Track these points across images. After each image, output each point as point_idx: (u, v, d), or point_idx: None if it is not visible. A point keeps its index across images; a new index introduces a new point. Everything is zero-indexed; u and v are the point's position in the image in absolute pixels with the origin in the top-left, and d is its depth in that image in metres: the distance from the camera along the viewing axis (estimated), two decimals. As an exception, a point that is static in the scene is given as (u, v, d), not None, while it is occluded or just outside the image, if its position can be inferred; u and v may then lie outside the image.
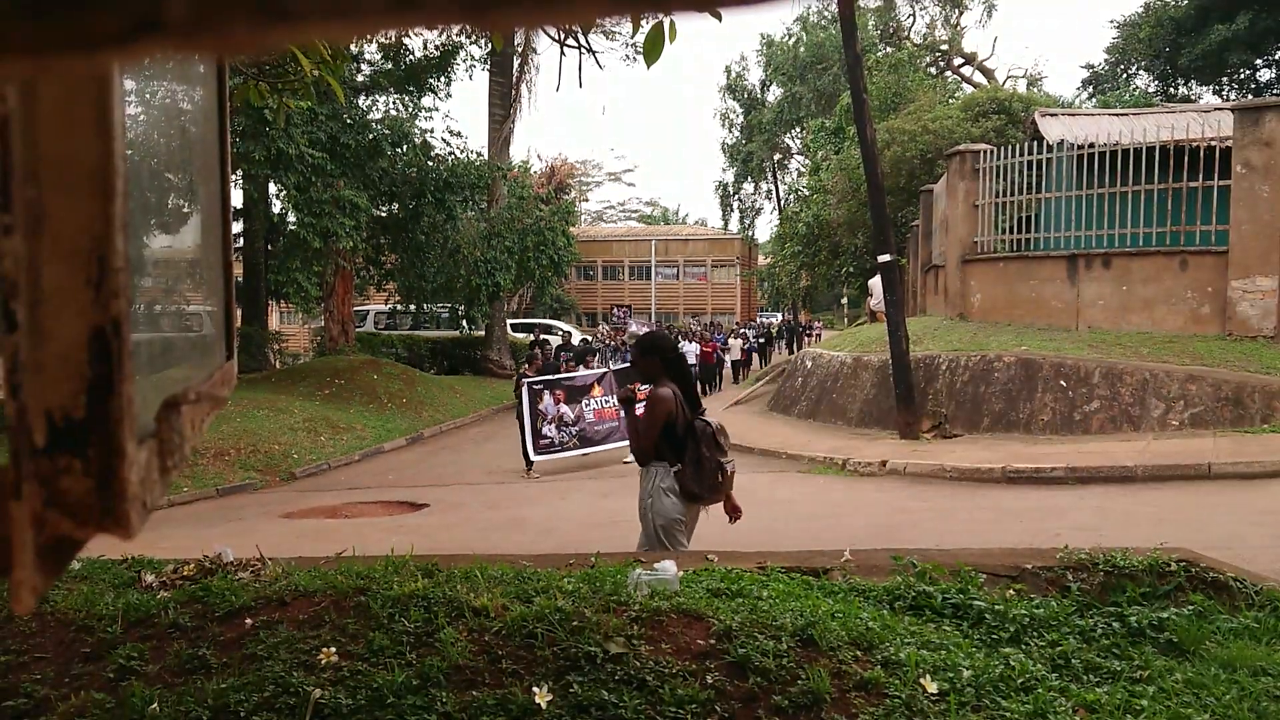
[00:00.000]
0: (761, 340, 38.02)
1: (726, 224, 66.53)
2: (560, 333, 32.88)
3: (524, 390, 14.54)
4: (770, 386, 24.50)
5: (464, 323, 31.21)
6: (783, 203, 56.05)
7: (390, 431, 19.93)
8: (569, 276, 53.33)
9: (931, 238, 22.86)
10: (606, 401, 15.03)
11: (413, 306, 29.93)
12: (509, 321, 36.60)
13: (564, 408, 14.80)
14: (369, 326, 36.30)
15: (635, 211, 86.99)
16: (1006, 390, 14.17)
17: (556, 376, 15.33)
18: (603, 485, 13.67)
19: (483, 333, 32.76)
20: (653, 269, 66.18)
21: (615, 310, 37.84)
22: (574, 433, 14.70)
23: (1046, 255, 16.94)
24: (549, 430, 14.60)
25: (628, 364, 15.83)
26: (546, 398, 14.65)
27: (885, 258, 14.73)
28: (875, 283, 23.53)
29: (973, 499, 10.31)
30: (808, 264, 36.65)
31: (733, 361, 32.58)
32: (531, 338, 34.69)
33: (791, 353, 40.02)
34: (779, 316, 63.51)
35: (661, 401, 5.89)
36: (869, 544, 7.26)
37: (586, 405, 14.87)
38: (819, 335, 45.61)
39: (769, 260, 55.28)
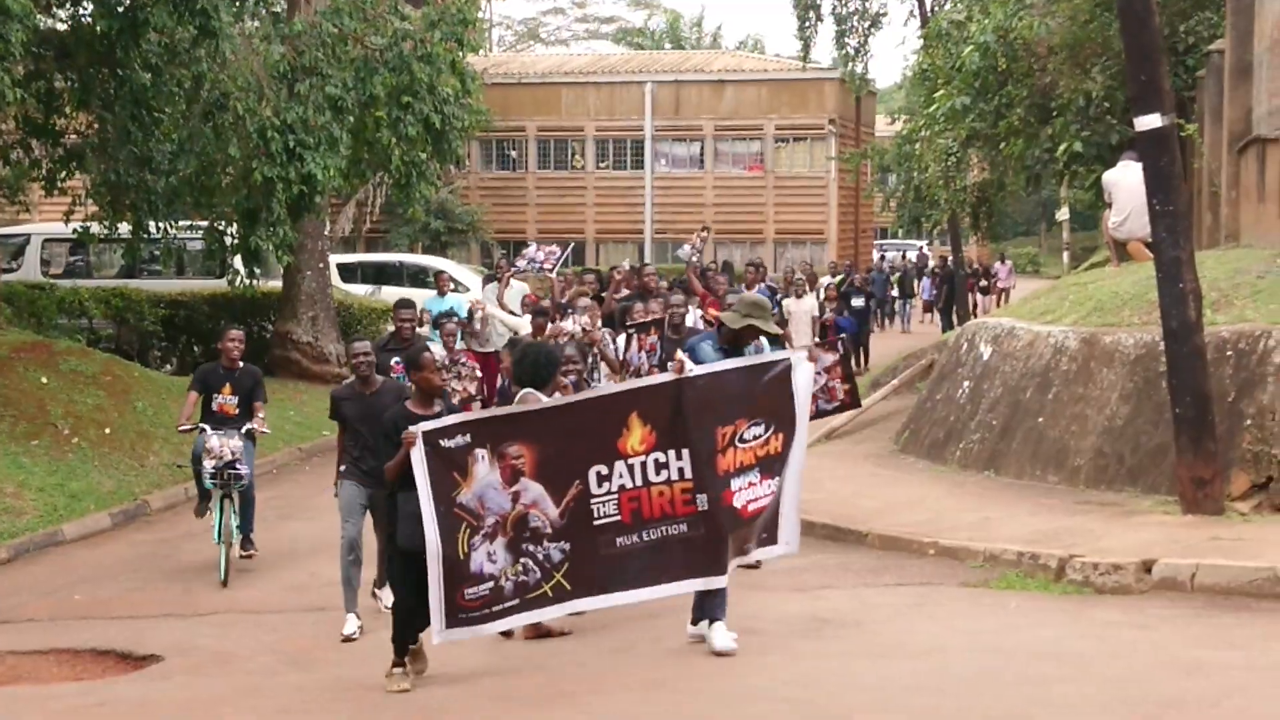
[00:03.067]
0: (865, 303, 24.36)
1: (808, 51, 37.80)
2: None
3: (421, 451, 7.08)
4: (900, 401, 17.06)
5: (237, 263, 17.87)
6: (929, 6, 31.78)
7: (77, 498, 12.65)
8: (466, 162, 35.28)
9: (1252, 77, 15.44)
10: (664, 466, 7.47)
11: (125, 228, 17.69)
12: (335, 260, 23.10)
13: (530, 490, 7.34)
14: (29, 269, 21.67)
15: (610, 21, 56.66)
16: None
17: (514, 410, 7.72)
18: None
19: (279, 284, 20.15)
20: (648, 147, 40.85)
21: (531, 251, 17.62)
22: (559, 555, 7.37)
23: None
24: (485, 558, 7.19)
25: (704, 344, 8.27)
26: (480, 468, 7.19)
27: (1152, 122, 10.49)
28: (1123, 179, 14.79)
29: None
30: (984, 134, 21.58)
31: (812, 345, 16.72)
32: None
33: (948, 325, 28.34)
34: (917, 251, 42.62)
35: None
36: None
37: (609, 480, 7.49)
38: (1006, 291, 33.34)
39: (902, 126, 31.41)
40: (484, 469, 7.16)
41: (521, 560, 7.26)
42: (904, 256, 41.51)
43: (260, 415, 10.48)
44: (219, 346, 10.76)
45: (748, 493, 7.71)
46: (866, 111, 44.49)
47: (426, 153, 19.19)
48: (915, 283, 36.12)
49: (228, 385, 10.42)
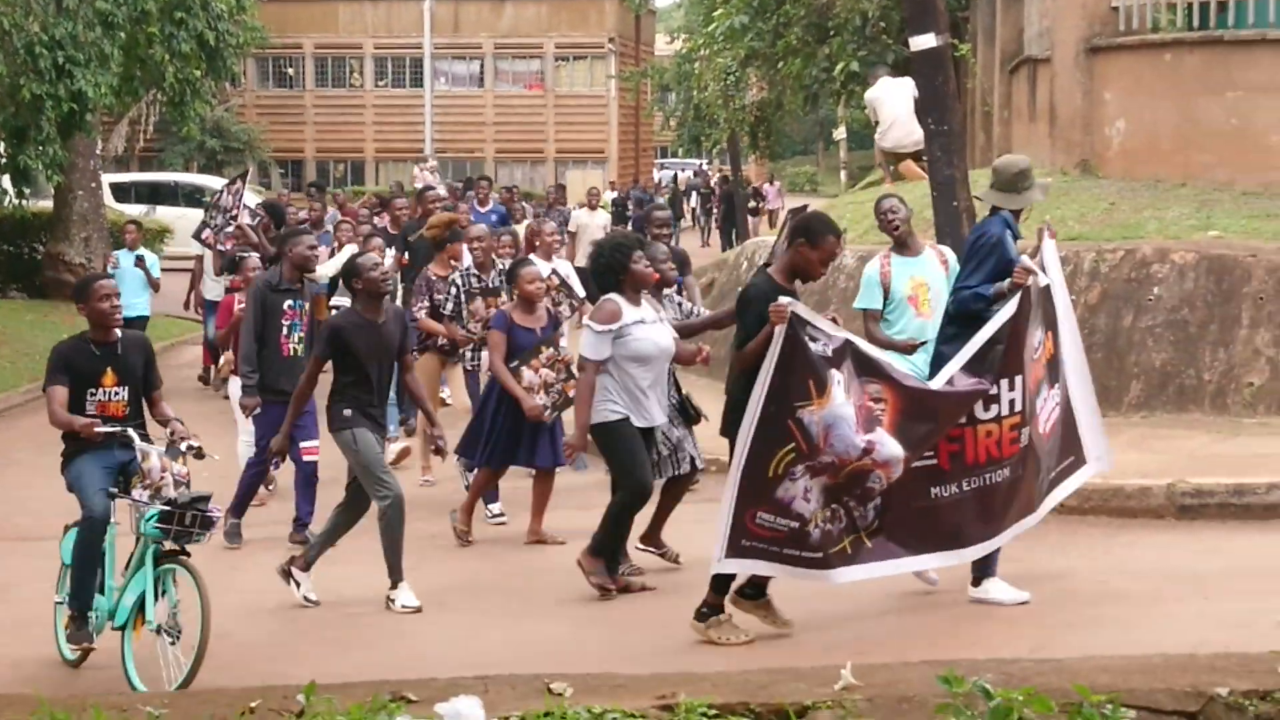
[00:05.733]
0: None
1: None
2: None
3: (782, 334, 5.70)
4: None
5: (5, 183, 17.09)
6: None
7: None
8: (242, 80, 35.40)
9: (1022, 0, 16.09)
10: (994, 400, 6.21)
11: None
12: (108, 180, 23.40)
13: (886, 448, 6.03)
14: None
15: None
16: (1177, 324, 11.27)
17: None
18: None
19: (50, 204, 19.74)
20: (427, 65, 38.54)
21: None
22: (873, 513, 6.05)
23: (1263, 37, 12.47)
24: (801, 494, 5.87)
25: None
26: (838, 392, 5.81)
27: (927, 42, 10.47)
28: (883, 94, 15.23)
29: (1105, 551, 7.91)
30: (762, 53, 21.57)
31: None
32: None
33: (728, 244, 27.85)
34: (695, 169, 42.61)
35: None
36: (891, 649, 5.69)
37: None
38: (774, 213, 31.77)
39: (681, 45, 31.71)
40: (841, 396, 5.77)
41: (832, 506, 5.88)
42: (693, 175, 41.53)
43: (175, 421, 6.30)
44: (85, 311, 6.25)
45: (1045, 409, 6.45)
46: (646, 30, 45.19)
47: (201, 70, 19.10)
48: (684, 203, 35.87)
49: (109, 371, 6.20)
